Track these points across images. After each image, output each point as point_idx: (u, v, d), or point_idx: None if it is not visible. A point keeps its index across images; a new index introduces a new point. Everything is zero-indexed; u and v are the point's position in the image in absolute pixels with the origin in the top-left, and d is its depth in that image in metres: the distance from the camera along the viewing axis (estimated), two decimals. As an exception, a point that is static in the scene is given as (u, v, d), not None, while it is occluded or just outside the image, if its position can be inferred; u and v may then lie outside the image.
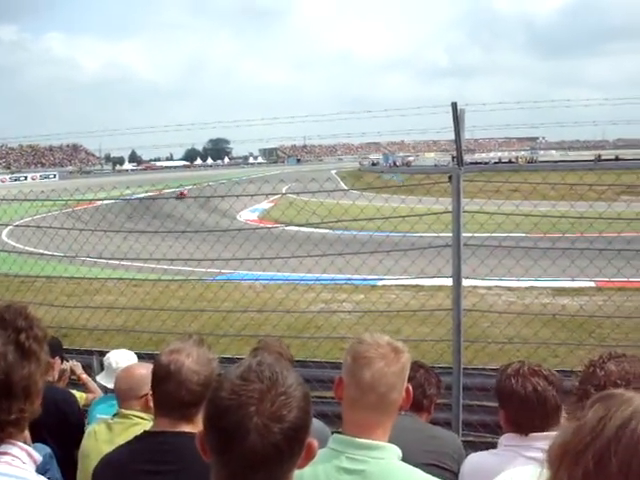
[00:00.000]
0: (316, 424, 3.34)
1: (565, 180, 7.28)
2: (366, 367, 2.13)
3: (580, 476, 1.01)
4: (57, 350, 4.76)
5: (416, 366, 3.45)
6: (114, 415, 3.35)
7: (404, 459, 2.16)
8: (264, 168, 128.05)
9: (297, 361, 6.45)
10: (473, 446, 4.49)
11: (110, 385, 4.00)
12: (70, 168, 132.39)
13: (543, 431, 2.68)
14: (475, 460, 2.94)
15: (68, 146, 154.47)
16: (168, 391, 2.48)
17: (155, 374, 2.55)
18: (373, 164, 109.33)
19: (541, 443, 2.58)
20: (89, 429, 3.40)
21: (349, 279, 10.09)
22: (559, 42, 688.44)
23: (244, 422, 1.41)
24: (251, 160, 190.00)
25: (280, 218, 18.54)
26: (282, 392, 1.46)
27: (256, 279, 9.82)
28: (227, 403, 1.44)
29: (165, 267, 12.23)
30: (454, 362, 5.19)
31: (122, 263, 9.12)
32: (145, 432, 2.56)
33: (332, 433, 2.31)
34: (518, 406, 2.79)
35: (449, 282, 5.23)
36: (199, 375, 2.47)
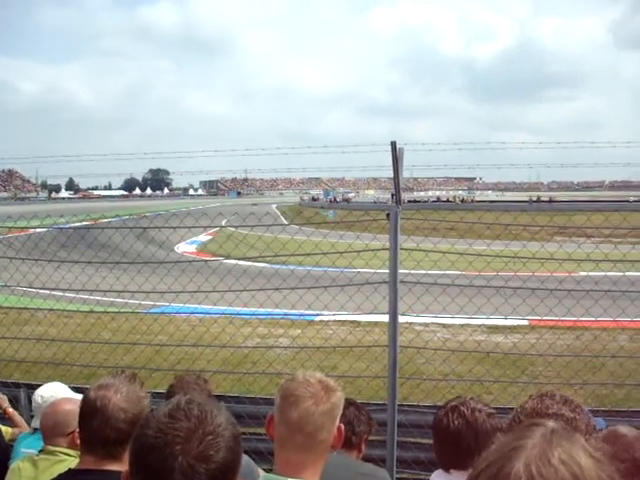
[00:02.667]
0: (244, 460, 3.26)
1: (500, 220, 7.44)
2: (294, 406, 2.10)
3: None
4: None
5: (346, 403, 3.41)
6: (40, 451, 3.23)
7: (335, 497, 2.13)
8: (204, 200, 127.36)
9: (231, 397, 6.37)
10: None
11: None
12: (4, 194, 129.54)
13: (463, 469, 2.63)
14: None
15: (3, 171, 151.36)
16: (93, 427, 2.42)
17: (81, 409, 2.49)
18: (313, 199, 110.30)
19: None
20: (13, 465, 3.26)
21: (286, 314, 10.03)
22: (498, 87, 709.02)
23: (169, 461, 1.36)
24: (191, 192, 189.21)
25: (218, 251, 18.42)
26: (210, 431, 1.42)
27: (191, 312, 9.67)
28: (152, 441, 1.40)
29: (98, 298, 11.95)
30: (389, 398, 5.18)
31: (53, 293, 8.89)
32: (70, 470, 2.47)
33: (265, 471, 2.27)
34: (437, 441, 2.83)
35: (385, 318, 5.25)
36: (126, 413, 2.40)
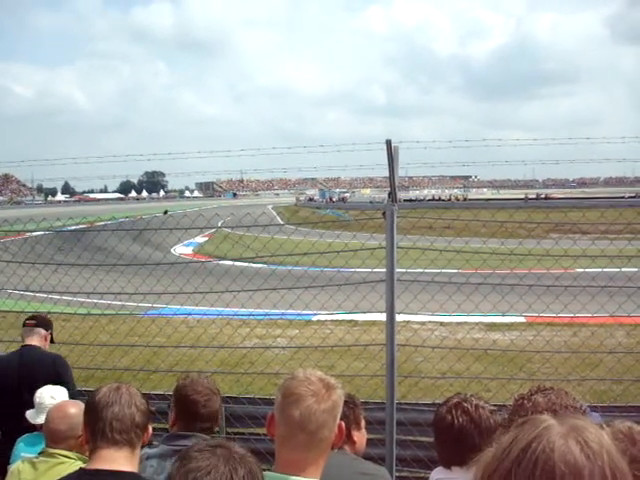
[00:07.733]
0: None
1: (496, 217, 7.45)
2: (295, 404, 2.09)
3: None
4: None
5: None
6: (39, 453, 3.24)
7: (336, 496, 2.13)
8: (200, 202, 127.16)
9: (230, 397, 6.36)
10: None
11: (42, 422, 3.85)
12: (0, 198, 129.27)
13: (464, 466, 2.62)
14: None
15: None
16: None
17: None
18: (310, 199, 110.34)
19: (465, 477, 2.58)
20: (12, 467, 3.28)
21: (283, 314, 10.03)
22: (494, 85, 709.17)
23: None
24: (187, 194, 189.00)
25: (214, 252, 18.40)
26: None
27: (189, 314, 9.65)
28: None
29: (95, 301, 11.92)
30: (387, 397, 5.18)
31: (50, 296, 8.86)
32: (80, 469, 2.50)
33: (264, 471, 2.26)
34: (439, 438, 2.82)
35: (383, 317, 5.24)
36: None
